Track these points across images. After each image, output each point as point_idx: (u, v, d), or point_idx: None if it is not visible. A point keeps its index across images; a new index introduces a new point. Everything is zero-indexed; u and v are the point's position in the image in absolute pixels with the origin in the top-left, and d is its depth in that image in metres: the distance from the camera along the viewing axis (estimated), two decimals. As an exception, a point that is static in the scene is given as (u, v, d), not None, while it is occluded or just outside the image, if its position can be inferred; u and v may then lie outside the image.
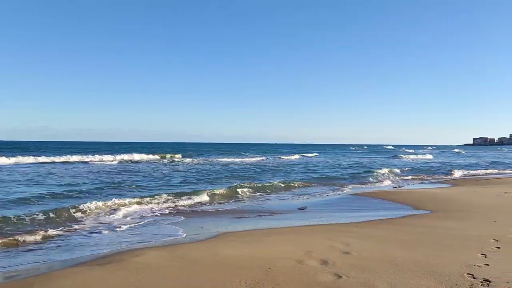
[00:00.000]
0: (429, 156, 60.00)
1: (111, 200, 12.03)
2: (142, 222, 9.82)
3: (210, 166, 32.34)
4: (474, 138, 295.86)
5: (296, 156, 55.75)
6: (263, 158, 50.10)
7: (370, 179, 22.90)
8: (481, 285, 4.67)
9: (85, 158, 38.34)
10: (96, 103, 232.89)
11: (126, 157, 42.20)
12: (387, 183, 21.32)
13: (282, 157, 52.58)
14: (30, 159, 34.35)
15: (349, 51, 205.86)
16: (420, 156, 59.32)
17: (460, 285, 4.67)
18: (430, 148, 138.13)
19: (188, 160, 41.93)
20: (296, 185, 18.71)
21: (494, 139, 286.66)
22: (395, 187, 18.74)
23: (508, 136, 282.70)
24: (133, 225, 9.47)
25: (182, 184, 18.34)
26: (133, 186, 16.93)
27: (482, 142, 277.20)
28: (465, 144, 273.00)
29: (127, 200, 12.21)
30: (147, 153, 48.63)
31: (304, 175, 24.57)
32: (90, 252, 6.97)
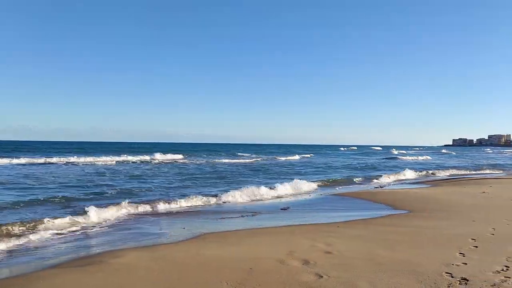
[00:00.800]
0: (428, 157, 60.42)
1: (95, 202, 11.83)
2: (123, 224, 9.70)
3: (210, 168, 31.97)
4: (453, 139, 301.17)
5: (296, 157, 54.51)
6: (260, 158, 49.82)
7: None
8: (459, 283, 4.75)
9: (63, 159, 37.11)
10: (75, 102, 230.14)
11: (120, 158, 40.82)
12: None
13: (279, 157, 51.84)
14: (4, 161, 32.35)
15: (327, 52, 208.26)
16: (419, 158, 58.55)
17: (438, 284, 4.75)
18: (417, 149, 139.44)
19: (184, 160, 41.57)
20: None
21: (473, 140, 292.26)
22: (376, 187, 18.94)
23: (486, 137, 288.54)
24: (113, 226, 9.35)
25: (168, 186, 18.21)
26: (117, 188, 16.73)
27: (461, 143, 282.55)
28: (445, 145, 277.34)
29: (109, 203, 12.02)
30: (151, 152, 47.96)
31: (339, 175, 25.59)
32: (69, 254, 6.86)
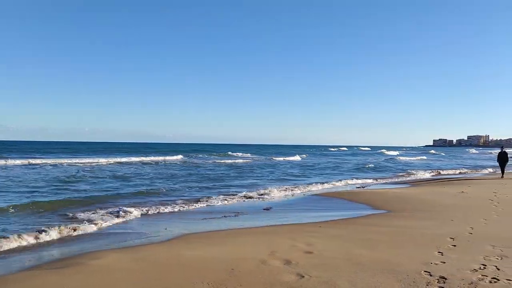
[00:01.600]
0: (423, 157, 61.01)
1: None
2: (99, 223, 9.56)
3: (211, 167, 31.75)
4: (434, 140, 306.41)
5: (297, 157, 53.80)
6: (259, 157, 49.70)
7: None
8: (437, 282, 4.82)
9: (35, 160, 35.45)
10: (52, 102, 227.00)
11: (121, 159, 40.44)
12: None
13: (275, 158, 51.50)
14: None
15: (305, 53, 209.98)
16: (415, 158, 58.95)
17: (417, 283, 4.81)
18: (405, 149, 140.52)
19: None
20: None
21: (452, 140, 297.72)
22: (358, 187, 19.11)
23: (466, 138, 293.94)
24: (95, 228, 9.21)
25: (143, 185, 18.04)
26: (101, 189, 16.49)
27: (442, 144, 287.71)
28: (426, 146, 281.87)
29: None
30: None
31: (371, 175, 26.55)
32: (47, 255, 6.74)
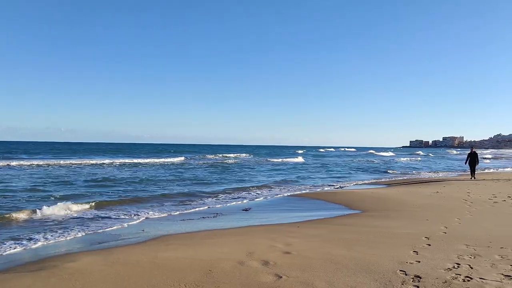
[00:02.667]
0: (418, 159, 61.70)
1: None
2: (78, 227, 9.38)
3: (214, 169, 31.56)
4: (410, 141, 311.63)
5: (300, 159, 52.99)
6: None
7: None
8: (412, 281, 4.89)
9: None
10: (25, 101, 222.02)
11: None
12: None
13: (270, 159, 51.15)
14: None
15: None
16: (410, 159, 59.54)
17: (393, 282, 4.87)
18: (392, 150, 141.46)
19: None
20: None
21: (428, 141, 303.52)
22: (336, 188, 19.28)
23: (441, 139, 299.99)
24: (67, 229, 9.02)
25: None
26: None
27: (418, 145, 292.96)
28: (403, 147, 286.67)
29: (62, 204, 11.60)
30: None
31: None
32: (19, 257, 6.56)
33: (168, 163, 39.06)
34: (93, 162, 36.49)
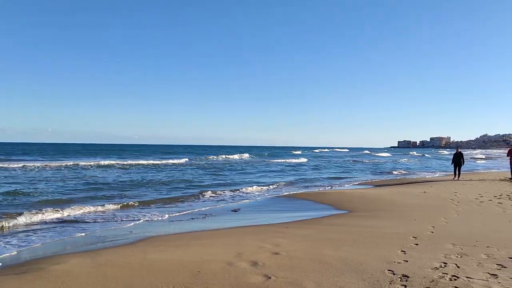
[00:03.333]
0: (417, 159, 61.83)
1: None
2: (64, 228, 9.29)
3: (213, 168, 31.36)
4: (398, 141, 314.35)
5: (304, 159, 52.36)
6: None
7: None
8: (400, 280, 4.92)
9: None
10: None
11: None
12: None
13: (271, 160, 50.72)
14: None
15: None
16: (410, 160, 59.58)
17: (381, 281, 4.90)
18: (386, 150, 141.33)
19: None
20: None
21: (416, 142, 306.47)
22: (326, 188, 19.36)
23: (428, 139, 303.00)
24: (53, 231, 8.92)
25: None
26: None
27: (406, 145, 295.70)
28: (391, 147, 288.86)
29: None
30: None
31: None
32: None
33: (163, 164, 38.72)
34: (83, 163, 36.09)
